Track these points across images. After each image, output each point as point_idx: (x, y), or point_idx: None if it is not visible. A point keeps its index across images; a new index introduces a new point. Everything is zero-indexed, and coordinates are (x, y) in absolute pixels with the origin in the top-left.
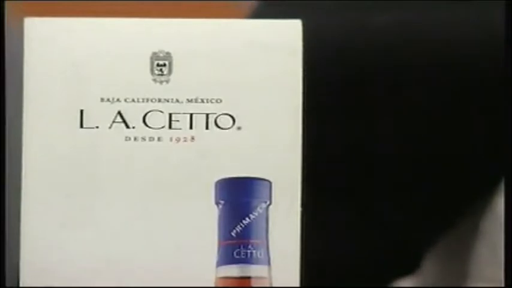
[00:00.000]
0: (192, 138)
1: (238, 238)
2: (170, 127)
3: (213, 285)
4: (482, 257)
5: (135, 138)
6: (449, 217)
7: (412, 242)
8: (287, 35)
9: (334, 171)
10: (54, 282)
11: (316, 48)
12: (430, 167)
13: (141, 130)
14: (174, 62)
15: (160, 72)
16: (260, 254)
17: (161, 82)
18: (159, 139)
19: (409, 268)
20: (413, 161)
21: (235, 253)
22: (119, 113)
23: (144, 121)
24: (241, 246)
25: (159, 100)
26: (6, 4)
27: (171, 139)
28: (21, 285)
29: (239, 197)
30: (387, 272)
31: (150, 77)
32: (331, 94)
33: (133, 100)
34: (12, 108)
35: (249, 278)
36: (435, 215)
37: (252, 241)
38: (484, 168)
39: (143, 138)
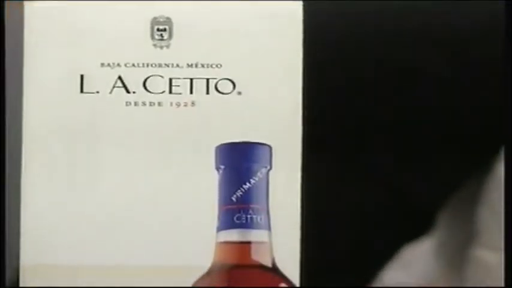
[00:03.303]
0: (193, 103)
1: (239, 203)
2: (170, 92)
3: (213, 250)
4: (483, 223)
5: (135, 103)
6: (454, 181)
7: (420, 205)
8: (288, 1)
9: (338, 134)
10: (56, 247)
11: (316, 16)
12: (433, 132)
13: (141, 95)
14: (174, 27)
15: (160, 37)
16: (260, 219)
17: (161, 47)
18: (159, 104)
19: (418, 232)
20: (416, 127)
21: (235, 218)
22: (119, 78)
23: (144, 86)
24: (242, 211)
25: (160, 65)
26: None
27: (171, 104)
28: (22, 250)
29: (239, 161)
30: (394, 245)
31: (151, 42)
32: (331, 60)
33: (133, 65)
34: (13, 79)
35: (249, 242)
36: (440, 179)
37: (252, 206)
38: (485, 134)
39: (143, 103)
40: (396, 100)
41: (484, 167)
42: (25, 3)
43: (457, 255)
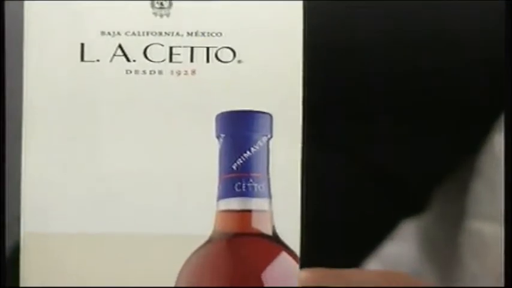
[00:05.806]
0: (193, 71)
1: (239, 171)
2: (171, 60)
3: (214, 219)
4: (480, 195)
5: (135, 72)
6: (450, 158)
7: (414, 184)
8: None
9: (339, 103)
10: (57, 215)
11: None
12: (428, 107)
13: (141, 63)
14: None
15: (160, 6)
16: (261, 187)
17: (161, 15)
18: (159, 72)
19: (413, 210)
20: (412, 102)
21: (236, 186)
22: (120, 46)
23: (144, 54)
24: (242, 180)
25: (160, 33)
26: None
27: (171, 72)
28: (22, 227)
29: (240, 130)
30: (391, 213)
31: (151, 10)
32: (332, 30)
33: (133, 33)
34: (13, 48)
35: (249, 211)
36: (436, 156)
37: (253, 174)
38: (482, 107)
39: (144, 72)
40: (397, 93)
41: (480, 141)
42: None
43: (453, 228)
